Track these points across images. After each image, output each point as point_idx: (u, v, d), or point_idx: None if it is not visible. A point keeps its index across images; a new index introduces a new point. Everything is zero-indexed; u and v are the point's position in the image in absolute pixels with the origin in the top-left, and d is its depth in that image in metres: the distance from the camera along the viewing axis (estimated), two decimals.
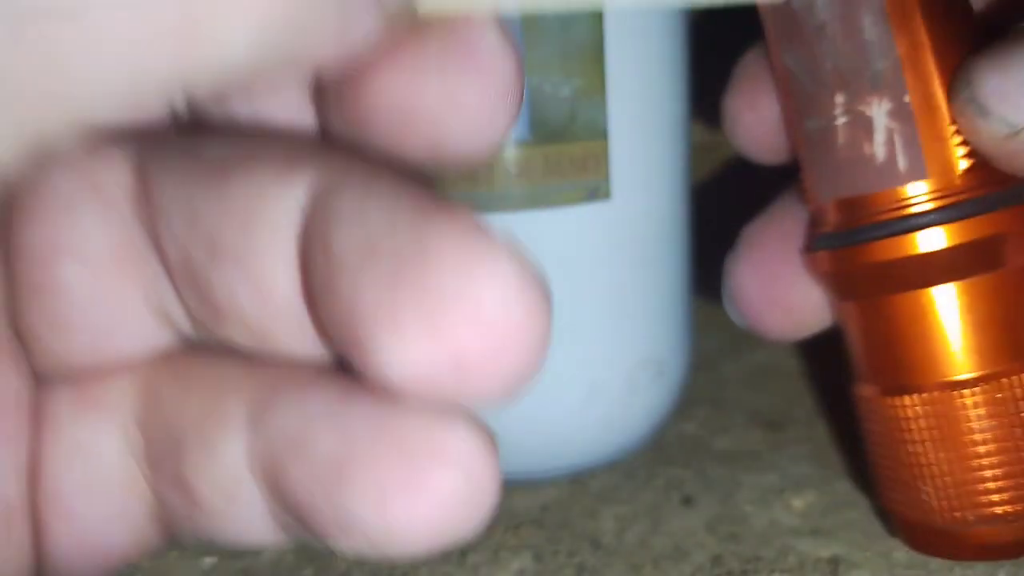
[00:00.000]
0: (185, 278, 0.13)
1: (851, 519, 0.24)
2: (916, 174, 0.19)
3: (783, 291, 0.22)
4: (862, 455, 0.27)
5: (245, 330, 0.13)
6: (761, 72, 0.22)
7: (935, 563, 0.21)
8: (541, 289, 0.11)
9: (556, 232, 0.23)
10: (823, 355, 0.23)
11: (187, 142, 0.13)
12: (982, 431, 0.19)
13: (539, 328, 0.11)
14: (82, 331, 0.14)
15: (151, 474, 0.14)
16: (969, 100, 0.18)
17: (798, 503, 0.25)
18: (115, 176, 0.13)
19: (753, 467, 0.27)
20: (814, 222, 0.21)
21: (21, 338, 0.14)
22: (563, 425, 0.25)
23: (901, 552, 0.22)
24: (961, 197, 0.19)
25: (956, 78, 0.18)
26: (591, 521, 0.25)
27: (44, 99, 0.09)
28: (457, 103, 0.12)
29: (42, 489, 0.14)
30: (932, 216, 0.19)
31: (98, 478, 0.14)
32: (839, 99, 0.19)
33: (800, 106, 0.20)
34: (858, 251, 0.20)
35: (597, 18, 0.22)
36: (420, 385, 0.11)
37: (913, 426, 0.20)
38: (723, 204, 0.33)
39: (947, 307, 0.19)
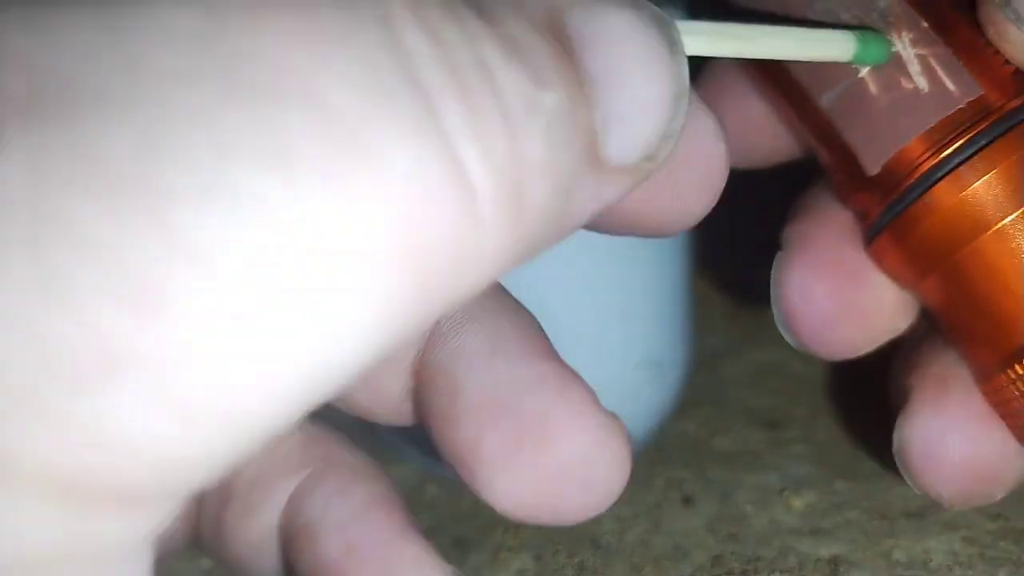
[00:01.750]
0: None
1: (851, 519, 0.24)
2: (969, 90, 0.17)
3: (855, 296, 0.19)
4: (862, 454, 0.27)
5: (348, 406, 0.16)
6: (733, 75, 0.20)
7: (935, 563, 0.21)
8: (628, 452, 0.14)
9: None
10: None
11: None
12: None
13: (620, 482, 0.14)
14: None
15: (196, 506, 0.16)
16: (1004, 5, 0.16)
17: (798, 503, 0.25)
18: None
19: (753, 467, 0.27)
20: (863, 213, 0.19)
21: None
22: None
23: (901, 552, 0.22)
24: (1022, 99, 0.17)
25: None
26: (591, 521, 0.24)
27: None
28: (674, 195, 0.14)
29: None
30: (998, 126, 0.17)
31: None
32: None
33: (810, 86, 0.18)
34: (927, 202, 0.17)
35: None
36: (515, 512, 0.14)
37: None
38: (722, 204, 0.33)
39: None
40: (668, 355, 0.27)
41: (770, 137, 0.20)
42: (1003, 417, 0.18)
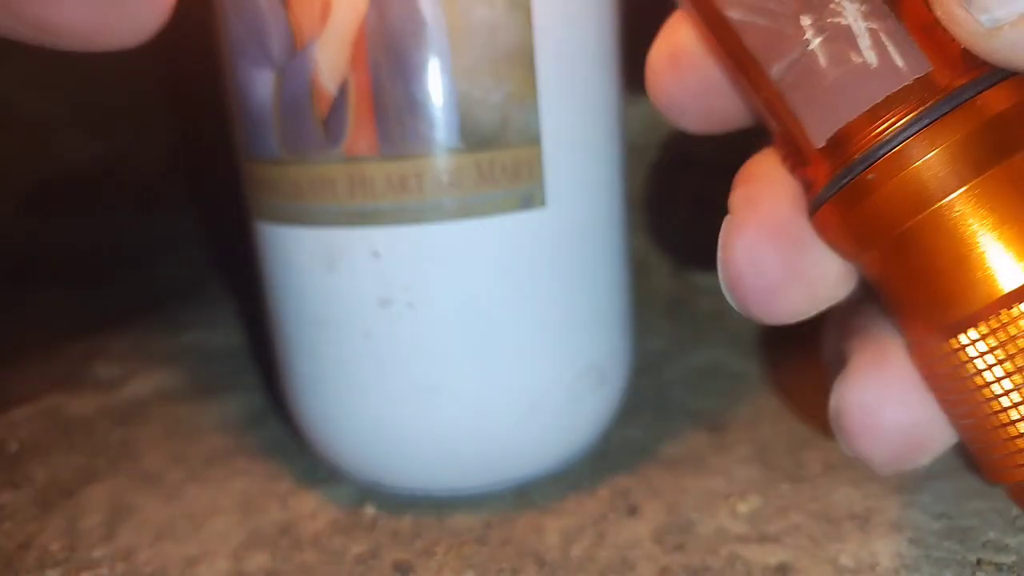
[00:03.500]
0: None
1: (797, 523, 0.23)
2: (918, 66, 0.16)
3: (801, 263, 0.18)
4: (804, 454, 0.27)
5: None
6: (691, 38, 0.19)
7: (882, 566, 0.21)
8: None
9: (491, 241, 0.23)
10: (764, 355, 0.23)
11: None
12: None
13: None
14: None
15: None
16: None
17: (744, 508, 0.24)
18: None
19: (698, 472, 0.27)
20: (808, 184, 0.19)
21: None
22: (505, 438, 0.25)
23: (847, 556, 0.22)
24: (970, 77, 0.16)
25: None
26: (535, 536, 0.24)
27: None
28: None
29: None
30: (943, 105, 0.16)
31: None
32: (806, 21, 0.17)
33: (761, 58, 0.18)
34: (869, 178, 0.17)
35: (526, 21, 0.22)
36: None
37: (988, 361, 0.17)
38: (658, 206, 0.32)
39: (989, 205, 0.17)
40: (609, 362, 0.26)
41: (726, 101, 0.20)
42: (933, 389, 0.18)
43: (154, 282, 0.52)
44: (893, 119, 0.17)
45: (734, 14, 0.18)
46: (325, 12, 0.21)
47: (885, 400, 0.19)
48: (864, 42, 0.17)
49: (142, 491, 0.28)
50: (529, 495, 0.26)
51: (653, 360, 0.35)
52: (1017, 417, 0.17)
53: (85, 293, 0.51)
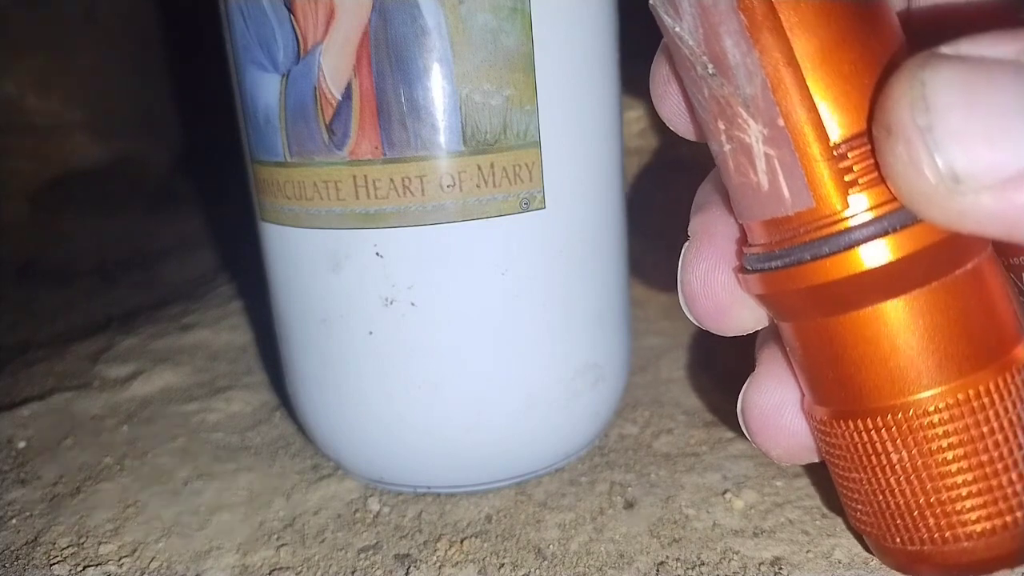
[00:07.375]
0: None
1: (792, 518, 0.24)
2: (801, 201, 0.17)
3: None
4: None
5: None
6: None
7: (876, 561, 0.22)
8: None
9: (492, 242, 0.23)
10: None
11: None
12: (948, 449, 0.18)
13: None
14: None
15: None
16: (927, 130, 0.14)
17: (739, 503, 0.25)
18: None
19: (695, 467, 0.27)
20: (744, 238, 0.20)
21: None
22: (505, 434, 0.25)
23: (841, 551, 0.22)
24: (846, 222, 0.17)
25: (907, 94, 0.15)
26: (535, 530, 0.24)
27: None
28: None
29: None
30: (815, 247, 0.17)
31: None
32: (720, 126, 0.18)
33: (704, 130, 0.19)
34: (789, 274, 0.18)
35: (526, 27, 0.22)
36: None
37: (872, 450, 0.19)
38: (653, 207, 0.33)
39: (889, 326, 0.18)
40: (607, 360, 0.27)
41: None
42: (808, 425, 0.21)
43: (162, 281, 0.53)
44: (774, 243, 0.18)
45: (686, 87, 0.19)
46: (329, 19, 0.22)
47: (782, 408, 0.21)
48: (760, 164, 0.17)
49: (149, 488, 0.28)
50: (529, 490, 0.26)
51: (650, 358, 0.35)
52: (886, 500, 0.19)
53: (93, 292, 0.52)
